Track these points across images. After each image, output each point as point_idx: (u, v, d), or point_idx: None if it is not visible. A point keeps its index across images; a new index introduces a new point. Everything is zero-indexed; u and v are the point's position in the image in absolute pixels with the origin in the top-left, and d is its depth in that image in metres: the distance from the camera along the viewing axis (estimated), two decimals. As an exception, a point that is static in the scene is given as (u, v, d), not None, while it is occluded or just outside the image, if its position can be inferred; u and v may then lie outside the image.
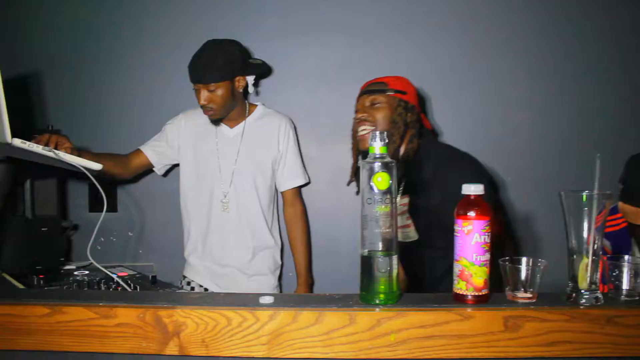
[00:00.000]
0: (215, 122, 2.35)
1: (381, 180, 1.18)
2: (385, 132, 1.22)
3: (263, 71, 2.49)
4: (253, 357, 1.17)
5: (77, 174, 2.03)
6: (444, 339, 1.13)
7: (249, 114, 2.40)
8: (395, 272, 1.20)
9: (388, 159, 1.20)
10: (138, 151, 2.42)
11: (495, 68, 2.61)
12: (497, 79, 2.62)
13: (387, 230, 1.19)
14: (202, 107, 2.23)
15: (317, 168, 2.69)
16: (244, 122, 2.39)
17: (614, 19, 2.58)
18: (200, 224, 2.39)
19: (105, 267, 2.20)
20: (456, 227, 1.20)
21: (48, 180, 2.30)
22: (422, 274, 1.99)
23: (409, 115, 2.00)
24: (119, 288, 1.88)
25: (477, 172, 1.94)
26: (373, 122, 1.98)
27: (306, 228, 2.51)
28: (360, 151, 2.05)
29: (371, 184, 1.18)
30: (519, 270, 1.20)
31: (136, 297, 1.36)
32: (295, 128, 2.50)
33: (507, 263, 1.22)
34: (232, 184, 2.35)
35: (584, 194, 1.18)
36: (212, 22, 2.65)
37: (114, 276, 1.87)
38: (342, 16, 2.65)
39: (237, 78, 2.25)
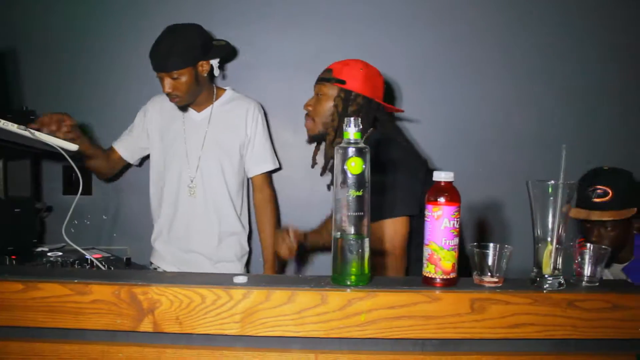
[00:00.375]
0: (182, 108, 2.35)
1: (354, 165, 1.21)
2: (354, 119, 1.23)
3: (227, 52, 2.44)
4: (226, 335, 1.19)
5: (51, 155, 2.03)
6: (412, 320, 1.17)
7: (217, 98, 2.38)
8: (366, 254, 1.23)
9: (362, 145, 1.23)
10: (112, 149, 2.43)
11: (470, 61, 2.66)
12: (472, 72, 2.66)
13: (359, 213, 1.22)
14: (167, 95, 2.20)
15: (294, 155, 2.70)
16: (211, 106, 2.37)
17: (587, 14, 2.64)
18: (167, 209, 2.38)
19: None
20: (426, 212, 1.23)
21: (22, 161, 2.28)
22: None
23: (350, 106, 1.97)
24: (94, 269, 1.88)
25: (402, 168, 1.89)
26: (313, 117, 2.04)
27: (275, 214, 2.49)
28: (312, 139, 2.13)
29: (344, 168, 1.21)
30: (486, 255, 1.25)
31: (111, 275, 1.38)
32: (265, 113, 2.48)
33: (475, 248, 1.26)
34: (199, 168, 2.34)
35: (550, 184, 1.22)
36: (191, 6, 2.64)
37: (89, 257, 1.87)
38: (320, 4, 2.66)
39: (200, 63, 2.22)
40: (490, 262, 1.25)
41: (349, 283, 1.22)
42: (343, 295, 1.18)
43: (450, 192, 1.22)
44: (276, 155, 2.54)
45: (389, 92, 2.57)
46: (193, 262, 2.36)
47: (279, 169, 2.58)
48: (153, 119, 2.41)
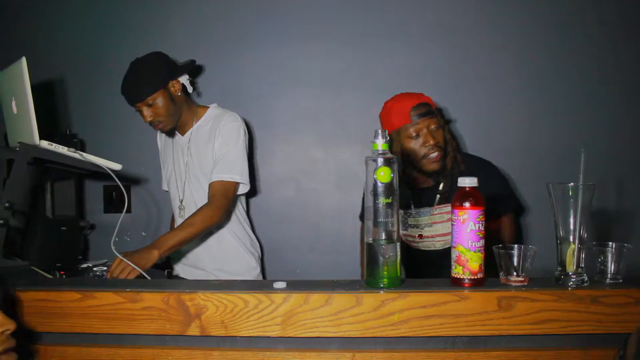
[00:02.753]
0: (169, 133, 2.40)
1: (384, 174, 1.29)
2: (381, 131, 1.32)
3: (193, 68, 2.44)
4: (268, 336, 1.28)
5: (93, 175, 2.15)
6: (443, 318, 1.24)
7: (199, 117, 2.37)
8: (398, 258, 1.31)
9: (389, 155, 1.31)
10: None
11: (491, 70, 2.72)
12: (493, 81, 2.72)
13: (390, 220, 1.30)
14: (150, 124, 2.23)
15: (322, 170, 2.80)
16: (192, 127, 2.38)
17: (597, 18, 2.69)
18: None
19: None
20: (453, 217, 1.31)
21: (66, 181, 2.41)
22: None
23: (449, 131, 2.18)
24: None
25: (503, 179, 2.27)
26: (441, 147, 2.11)
27: (205, 223, 2.14)
28: (425, 172, 2.14)
29: (374, 177, 1.29)
30: (511, 256, 1.31)
31: (160, 284, 1.48)
32: (245, 126, 2.35)
33: (500, 250, 1.33)
34: (185, 190, 2.38)
35: (570, 186, 1.29)
36: (220, 29, 2.78)
37: (134, 267, 1.97)
38: (343, 22, 2.76)
39: (170, 83, 2.23)
40: (515, 262, 1.31)
41: (382, 286, 1.29)
42: (377, 296, 1.25)
43: (474, 196, 1.29)
44: (252, 176, 2.37)
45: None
46: (200, 278, 2.35)
47: (252, 190, 2.50)
48: (161, 148, 2.54)
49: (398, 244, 1.31)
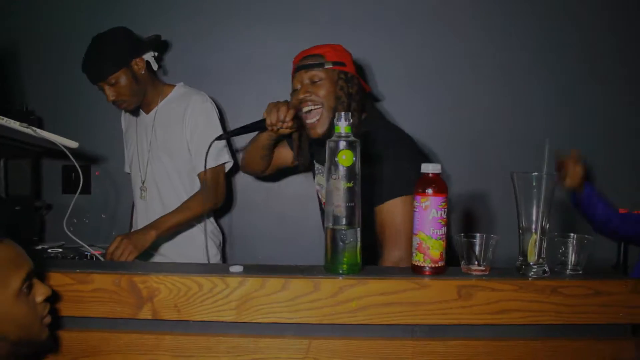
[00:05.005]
0: (133, 112, 2.34)
1: (345, 158, 1.25)
2: (344, 114, 1.27)
3: (158, 45, 2.35)
4: (223, 321, 1.24)
5: (51, 154, 2.07)
6: (402, 306, 1.22)
7: (164, 96, 2.30)
8: (358, 244, 1.28)
9: (352, 138, 1.27)
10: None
11: (460, 65, 2.71)
12: (467, 69, 2.71)
13: (350, 204, 1.26)
14: (114, 103, 2.18)
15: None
16: (157, 106, 2.31)
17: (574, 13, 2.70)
18: (134, 213, 2.40)
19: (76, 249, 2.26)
20: (415, 203, 1.28)
21: (22, 160, 2.32)
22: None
23: (351, 88, 1.86)
24: (93, 264, 1.93)
25: (413, 156, 1.81)
26: (317, 101, 1.83)
27: (201, 207, 2.16)
28: (308, 139, 1.95)
29: (336, 160, 1.26)
30: (472, 245, 1.29)
31: (112, 265, 1.42)
32: (214, 106, 2.30)
33: (462, 238, 1.31)
34: (148, 171, 2.31)
35: (534, 175, 1.27)
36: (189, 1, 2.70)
37: (89, 252, 1.92)
38: (320, 2, 2.72)
39: (134, 61, 2.17)
40: (477, 251, 1.29)
41: (340, 272, 1.26)
42: (335, 282, 1.22)
43: (437, 183, 1.27)
44: (230, 149, 2.33)
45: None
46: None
47: (232, 165, 2.36)
48: (124, 127, 2.48)
49: (358, 229, 1.28)
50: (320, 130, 1.84)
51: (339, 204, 1.27)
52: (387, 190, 1.72)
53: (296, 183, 2.74)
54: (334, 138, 1.28)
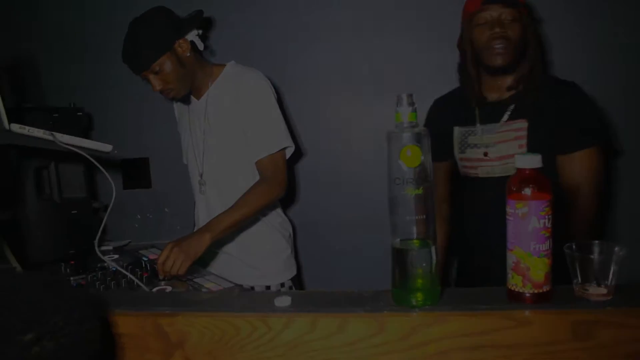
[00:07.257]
0: (184, 100, 2.12)
1: (411, 155, 0.96)
2: (406, 95, 0.98)
3: (201, 21, 2.08)
4: (268, 371, 1.00)
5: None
6: (496, 350, 0.92)
7: (215, 78, 2.07)
8: (434, 266, 0.99)
9: (419, 128, 0.97)
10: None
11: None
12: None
13: (422, 216, 0.97)
14: (161, 93, 1.97)
15: (357, 130, 2.45)
16: (207, 90, 2.08)
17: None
18: (196, 209, 2.20)
19: (141, 247, 2.12)
20: (508, 209, 0.97)
21: (73, 161, 2.19)
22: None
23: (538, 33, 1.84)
24: (145, 275, 1.77)
25: (592, 103, 1.79)
26: (510, 41, 1.73)
27: (261, 201, 1.94)
28: (488, 68, 1.79)
29: (399, 159, 0.96)
30: (590, 260, 0.96)
31: (136, 300, 1.20)
32: (270, 84, 2.04)
33: (574, 250, 0.98)
34: (204, 163, 2.09)
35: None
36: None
37: (145, 258, 1.78)
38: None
39: (177, 43, 1.94)
40: (596, 267, 0.96)
41: (414, 303, 0.98)
42: (405, 320, 0.95)
43: (538, 181, 0.95)
44: (291, 133, 2.07)
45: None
46: (224, 263, 2.11)
47: (298, 151, 2.16)
48: (176, 116, 2.27)
49: (434, 247, 0.98)
50: (503, 60, 1.75)
51: (407, 217, 0.98)
52: (577, 138, 1.73)
53: (372, 161, 2.43)
54: (394, 130, 0.98)
